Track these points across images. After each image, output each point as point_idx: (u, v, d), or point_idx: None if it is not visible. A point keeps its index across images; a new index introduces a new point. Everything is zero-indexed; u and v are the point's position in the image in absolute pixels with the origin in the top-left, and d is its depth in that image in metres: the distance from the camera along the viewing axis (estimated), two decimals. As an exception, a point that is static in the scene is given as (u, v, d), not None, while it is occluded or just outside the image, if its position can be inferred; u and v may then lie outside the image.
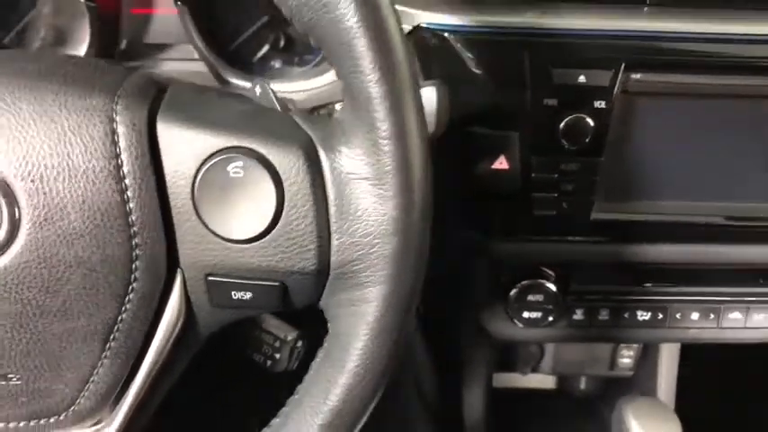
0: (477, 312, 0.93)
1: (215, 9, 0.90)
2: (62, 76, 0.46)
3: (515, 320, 0.90)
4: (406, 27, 0.73)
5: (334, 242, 0.47)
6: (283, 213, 0.46)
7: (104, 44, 0.90)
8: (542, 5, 0.74)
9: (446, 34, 0.72)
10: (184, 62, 0.93)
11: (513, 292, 0.89)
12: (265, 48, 0.93)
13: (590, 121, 0.72)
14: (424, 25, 0.72)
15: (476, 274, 0.92)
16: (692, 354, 1.13)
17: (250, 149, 0.45)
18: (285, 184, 0.46)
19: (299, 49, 0.94)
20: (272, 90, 0.60)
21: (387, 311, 0.47)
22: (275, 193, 0.45)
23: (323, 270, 0.48)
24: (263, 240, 0.46)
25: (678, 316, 0.95)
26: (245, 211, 0.46)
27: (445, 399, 1.19)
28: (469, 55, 0.72)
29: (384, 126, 0.44)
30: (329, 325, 0.51)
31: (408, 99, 0.44)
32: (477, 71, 0.72)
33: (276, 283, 0.48)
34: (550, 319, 0.89)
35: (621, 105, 0.75)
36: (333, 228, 0.47)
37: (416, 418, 1.25)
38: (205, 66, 0.88)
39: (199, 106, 0.48)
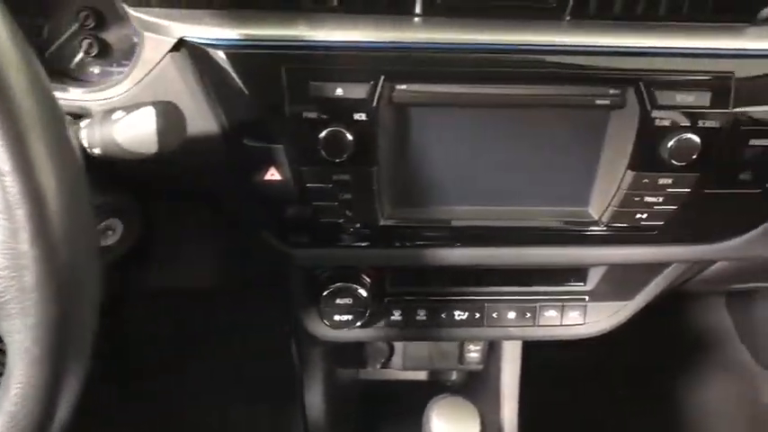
0: (296, 312, 0.95)
1: (26, 15, 0.89)
2: None
3: (326, 322, 0.91)
4: (170, 40, 0.73)
5: None
6: None
7: None
8: (312, 17, 0.73)
9: (208, 48, 0.72)
10: None
11: (324, 294, 0.90)
12: (80, 54, 0.93)
13: (348, 134, 0.72)
14: (187, 39, 0.72)
15: (290, 277, 0.94)
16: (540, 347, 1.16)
17: None
18: None
19: (117, 54, 0.94)
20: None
21: (35, 342, 0.48)
22: None
23: None
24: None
25: (495, 315, 0.97)
26: None
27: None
28: (232, 69, 0.72)
29: (4, 165, 0.45)
30: (8, 351, 0.52)
31: (30, 138, 0.45)
32: (241, 85, 0.73)
33: None
34: (359, 323, 0.91)
35: (390, 116, 0.75)
36: None
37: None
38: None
39: None
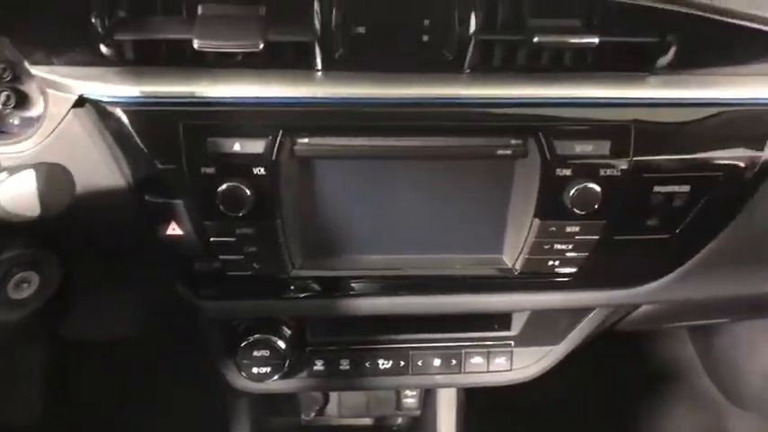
0: (215, 364, 0.94)
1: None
2: None
3: (244, 374, 0.90)
4: (72, 97, 0.73)
5: None
6: None
7: None
8: (215, 73, 0.74)
9: (107, 106, 0.72)
10: None
11: (241, 346, 0.89)
12: (-2, 106, 0.93)
13: (246, 188, 0.72)
14: (86, 96, 0.72)
15: (206, 330, 0.93)
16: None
17: None
18: None
19: (34, 107, 0.94)
20: None
21: None
22: None
23: None
24: None
25: (420, 363, 0.96)
26: None
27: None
28: (131, 125, 0.72)
29: None
30: None
31: None
32: (139, 141, 0.73)
33: None
34: (276, 377, 0.90)
35: (294, 169, 0.76)
36: None
37: None
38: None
39: None
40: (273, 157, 0.73)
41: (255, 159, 0.72)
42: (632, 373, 1.76)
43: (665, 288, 0.90)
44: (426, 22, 0.74)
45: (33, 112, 0.93)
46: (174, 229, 0.76)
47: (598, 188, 0.76)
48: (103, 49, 0.73)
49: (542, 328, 0.97)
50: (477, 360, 0.97)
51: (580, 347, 1.02)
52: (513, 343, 0.97)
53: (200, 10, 0.72)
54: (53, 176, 0.62)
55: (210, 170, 0.72)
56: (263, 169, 0.73)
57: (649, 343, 1.80)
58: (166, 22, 0.73)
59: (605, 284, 0.90)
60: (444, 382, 0.98)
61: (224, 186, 0.72)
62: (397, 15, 0.73)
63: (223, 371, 0.94)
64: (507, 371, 0.98)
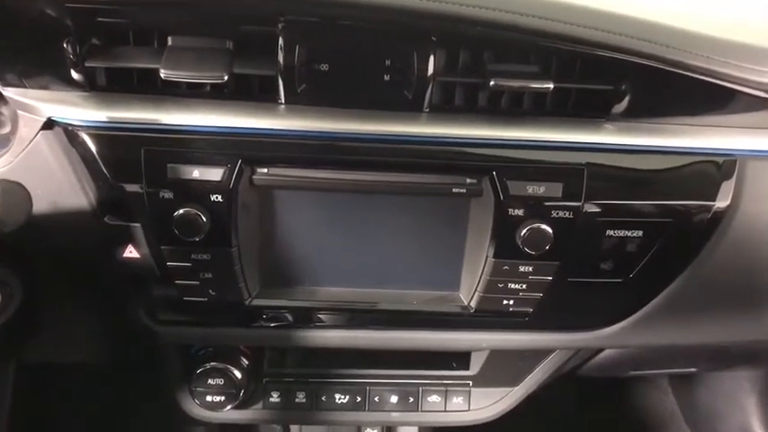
0: (170, 392, 0.93)
1: None
2: None
3: (197, 402, 0.90)
4: (41, 120, 0.75)
5: None
6: None
7: None
8: (182, 102, 0.76)
9: (74, 129, 0.74)
10: None
11: (196, 373, 0.89)
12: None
13: (202, 215, 0.74)
14: (54, 119, 0.74)
15: (163, 355, 0.93)
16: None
17: None
18: None
19: (6, 126, 0.96)
20: None
21: None
22: None
23: None
24: None
25: (377, 399, 0.96)
26: None
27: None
28: (95, 148, 0.74)
29: None
30: None
31: None
32: (101, 164, 0.74)
33: None
34: (229, 407, 0.89)
35: (252, 197, 0.77)
36: None
37: None
38: None
39: None
40: (231, 186, 0.74)
41: (213, 187, 0.74)
42: (612, 423, 1.73)
43: (625, 333, 0.90)
44: (388, 62, 0.76)
45: (5, 130, 0.95)
46: (131, 252, 0.77)
47: (550, 229, 0.77)
48: (74, 74, 0.75)
49: (501, 368, 0.97)
50: (435, 399, 0.96)
51: (539, 391, 1.01)
52: (471, 383, 0.97)
53: (169, 41, 0.75)
54: (9, 194, 0.63)
55: (169, 195, 0.74)
56: (220, 197, 0.74)
57: (630, 392, 1.77)
58: (137, 51, 0.75)
59: (562, 326, 0.90)
60: (401, 419, 0.97)
61: (181, 211, 0.74)
62: (359, 54, 0.75)
63: (178, 398, 0.94)
64: (465, 411, 0.97)
